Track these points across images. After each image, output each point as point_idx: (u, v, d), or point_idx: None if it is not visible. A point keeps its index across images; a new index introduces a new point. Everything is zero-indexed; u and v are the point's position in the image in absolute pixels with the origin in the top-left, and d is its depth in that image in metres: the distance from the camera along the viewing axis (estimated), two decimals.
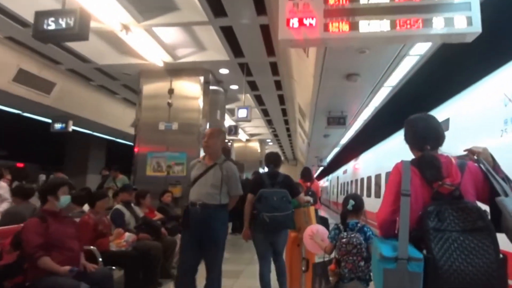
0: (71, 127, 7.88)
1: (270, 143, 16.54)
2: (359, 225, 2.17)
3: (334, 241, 2.20)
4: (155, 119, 6.24)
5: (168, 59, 5.91)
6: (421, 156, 1.41)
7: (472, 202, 1.29)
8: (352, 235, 2.08)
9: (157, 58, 5.82)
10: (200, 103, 6.21)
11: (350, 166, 14.24)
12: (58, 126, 7.83)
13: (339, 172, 18.19)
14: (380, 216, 1.42)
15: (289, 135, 13.89)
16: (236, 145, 15.52)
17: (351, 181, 13.43)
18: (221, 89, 7.21)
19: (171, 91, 6.29)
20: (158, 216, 4.56)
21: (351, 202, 2.18)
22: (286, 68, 6.08)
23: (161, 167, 6.07)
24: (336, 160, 18.77)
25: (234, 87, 7.28)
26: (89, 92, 7.60)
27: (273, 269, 3.21)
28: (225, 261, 3.03)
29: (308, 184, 5.07)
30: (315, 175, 40.77)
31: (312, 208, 3.32)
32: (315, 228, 2.70)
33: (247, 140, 15.21)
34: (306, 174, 5.33)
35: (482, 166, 1.37)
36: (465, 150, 1.47)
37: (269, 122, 11.23)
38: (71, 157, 11.99)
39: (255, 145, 15.57)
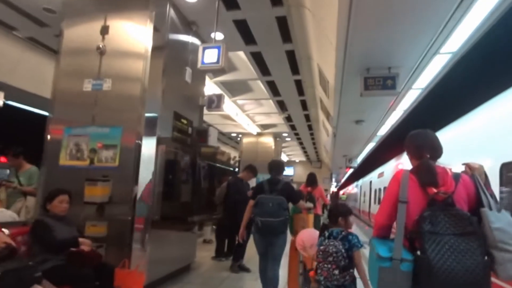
0: (2, 100, 5.73)
1: (288, 139, 13.80)
2: (343, 233, 2.15)
3: None
4: (78, 75, 3.85)
5: None
6: (419, 163, 1.55)
7: (462, 209, 1.41)
8: (331, 243, 2.06)
9: None
10: (148, 51, 3.74)
11: (389, 167, 11.13)
12: None
13: (373, 175, 14.99)
14: (377, 220, 1.59)
15: (309, 127, 11.11)
16: (245, 140, 12.97)
17: None
18: (195, 41, 4.70)
19: (104, 30, 3.87)
20: None
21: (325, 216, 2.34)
22: None
23: (82, 151, 3.64)
24: (369, 160, 15.46)
25: (219, 36, 4.75)
26: (19, 51, 5.44)
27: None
28: None
29: (309, 189, 5.00)
30: (342, 180, 37.22)
31: (310, 216, 3.76)
32: (300, 238, 2.68)
33: (259, 134, 12.61)
34: (309, 179, 5.20)
35: (475, 180, 1.48)
36: (463, 164, 1.59)
37: (281, 105, 8.57)
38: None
39: (268, 140, 12.89)
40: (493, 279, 1.38)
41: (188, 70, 4.40)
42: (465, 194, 1.45)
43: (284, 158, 19.52)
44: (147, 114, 3.67)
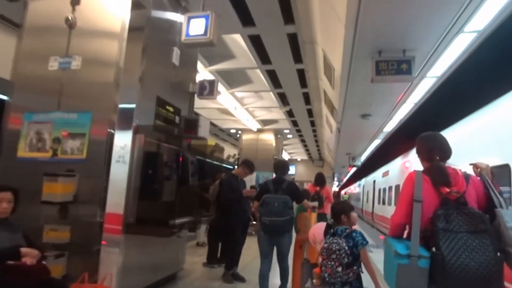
0: None
1: (289, 136, 13.24)
2: (347, 231, 2.15)
3: None
4: (43, 53, 3.29)
5: None
6: (431, 165, 1.62)
7: (474, 208, 1.46)
8: (334, 241, 2.08)
9: None
10: (125, 28, 3.17)
11: (395, 165, 10.55)
12: None
13: (377, 174, 14.42)
14: (394, 219, 1.62)
15: (312, 123, 10.55)
16: (245, 137, 12.41)
17: (397, 186, 9.80)
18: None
19: (75, 0, 3.32)
20: None
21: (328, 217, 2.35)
22: None
23: (44, 141, 3.09)
24: (374, 159, 14.84)
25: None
26: None
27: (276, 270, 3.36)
28: None
29: (317, 188, 4.98)
30: (344, 179, 36.62)
31: (314, 214, 3.57)
32: (312, 233, 2.76)
33: (259, 130, 12.04)
34: (318, 179, 5.22)
35: (484, 180, 1.55)
36: (470, 164, 1.66)
37: (283, 98, 8.00)
38: None
39: (269, 137, 12.33)
40: None
41: (176, 51, 3.83)
42: (474, 193, 1.51)
43: (285, 156, 18.96)
44: (123, 102, 3.11)
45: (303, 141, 14.03)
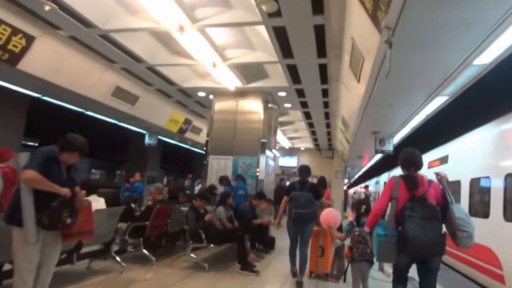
0: None
1: (287, 105, 8.93)
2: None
3: (348, 233, 3.18)
4: None
5: None
6: (407, 174, 2.60)
7: (431, 203, 2.48)
8: (363, 230, 2.97)
9: None
10: None
11: (469, 143, 6.20)
12: None
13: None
14: (378, 208, 2.64)
15: (323, 71, 6.27)
16: (218, 104, 8.12)
17: (474, 181, 5.49)
18: None
19: None
20: None
21: (363, 207, 3.20)
22: None
23: None
24: (415, 139, 10.23)
25: None
26: None
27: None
28: None
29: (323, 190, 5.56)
30: (356, 175, 32.01)
31: None
32: (327, 220, 3.63)
33: (239, 93, 7.79)
34: (322, 182, 5.68)
35: (442, 184, 2.57)
36: (434, 172, 2.65)
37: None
38: None
39: (254, 106, 7.99)
40: None
41: None
42: (434, 193, 2.52)
43: (284, 142, 14.67)
44: None
45: (307, 114, 9.72)
